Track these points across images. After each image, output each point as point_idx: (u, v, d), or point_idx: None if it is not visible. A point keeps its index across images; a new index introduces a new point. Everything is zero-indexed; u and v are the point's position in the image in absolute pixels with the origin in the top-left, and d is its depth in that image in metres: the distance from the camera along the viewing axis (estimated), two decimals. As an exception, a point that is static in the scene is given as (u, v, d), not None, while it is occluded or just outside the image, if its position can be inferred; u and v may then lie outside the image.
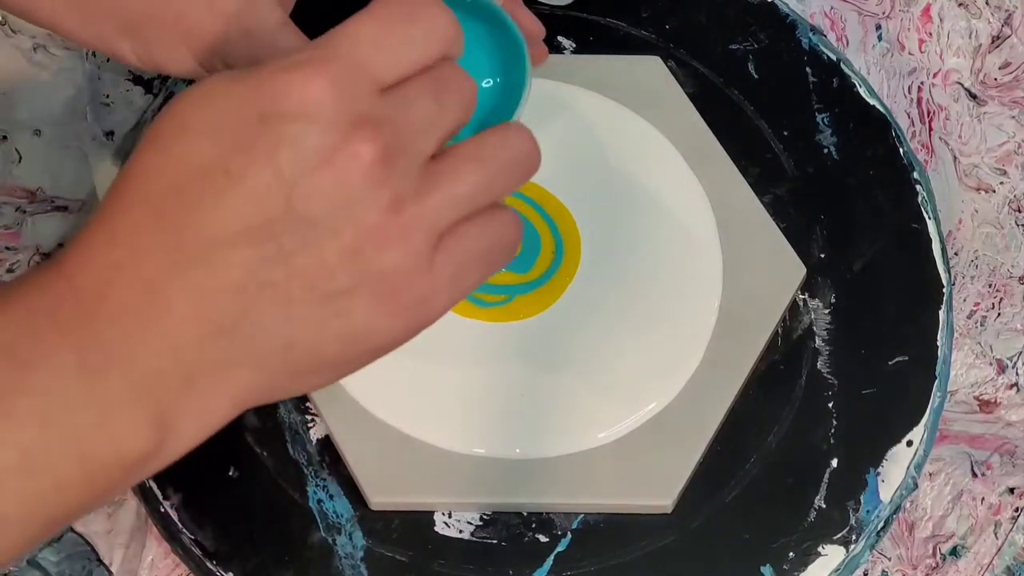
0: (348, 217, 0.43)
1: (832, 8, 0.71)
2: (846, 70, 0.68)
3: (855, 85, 0.68)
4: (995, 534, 0.62)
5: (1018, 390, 0.65)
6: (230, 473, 0.60)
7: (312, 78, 0.43)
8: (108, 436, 0.43)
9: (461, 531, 0.59)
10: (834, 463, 0.61)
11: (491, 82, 0.56)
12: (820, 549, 0.59)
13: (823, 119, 0.67)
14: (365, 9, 0.45)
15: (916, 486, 0.61)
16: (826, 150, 0.66)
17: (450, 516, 0.59)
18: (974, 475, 0.63)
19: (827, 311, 0.63)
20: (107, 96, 0.70)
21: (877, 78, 0.70)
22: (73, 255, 0.44)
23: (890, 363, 0.62)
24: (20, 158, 0.68)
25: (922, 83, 0.70)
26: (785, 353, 0.63)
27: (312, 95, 0.43)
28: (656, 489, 0.59)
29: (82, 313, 0.43)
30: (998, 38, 0.71)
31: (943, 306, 0.63)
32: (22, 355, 0.43)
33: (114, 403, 0.43)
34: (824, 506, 0.60)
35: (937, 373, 0.62)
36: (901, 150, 0.66)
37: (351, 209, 0.43)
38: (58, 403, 0.43)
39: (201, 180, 0.43)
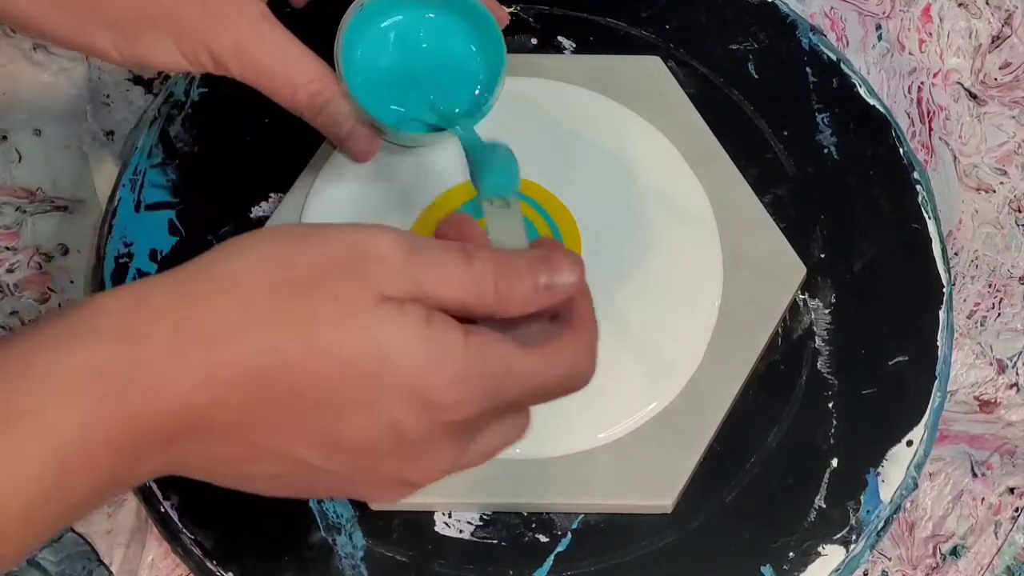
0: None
1: (832, 8, 0.71)
2: (846, 70, 0.68)
3: (855, 85, 0.68)
4: (995, 534, 0.62)
5: (1018, 390, 0.65)
6: (230, 473, 0.60)
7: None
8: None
9: (461, 531, 0.59)
10: (834, 463, 0.61)
11: (473, 48, 0.62)
12: (820, 549, 0.59)
13: (823, 119, 0.67)
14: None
15: (916, 486, 0.61)
16: (826, 150, 0.66)
17: (450, 516, 0.59)
18: (974, 475, 0.63)
19: (827, 311, 0.63)
20: (107, 96, 0.70)
21: (877, 78, 0.70)
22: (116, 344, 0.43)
23: (890, 363, 0.62)
24: (20, 158, 0.68)
25: (922, 83, 0.70)
26: (785, 353, 0.63)
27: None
28: (656, 489, 0.59)
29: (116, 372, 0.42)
30: (998, 38, 0.71)
31: (943, 306, 0.63)
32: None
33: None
34: (824, 506, 0.60)
35: (937, 373, 0.62)
36: (901, 150, 0.66)
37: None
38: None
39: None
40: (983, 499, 0.62)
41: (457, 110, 0.61)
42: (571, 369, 0.46)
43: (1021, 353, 0.65)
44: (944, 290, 0.64)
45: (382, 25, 0.62)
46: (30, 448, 0.40)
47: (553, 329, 0.46)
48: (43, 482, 0.41)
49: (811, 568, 0.59)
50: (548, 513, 0.60)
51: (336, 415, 0.43)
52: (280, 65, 0.57)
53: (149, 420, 0.41)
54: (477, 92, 0.62)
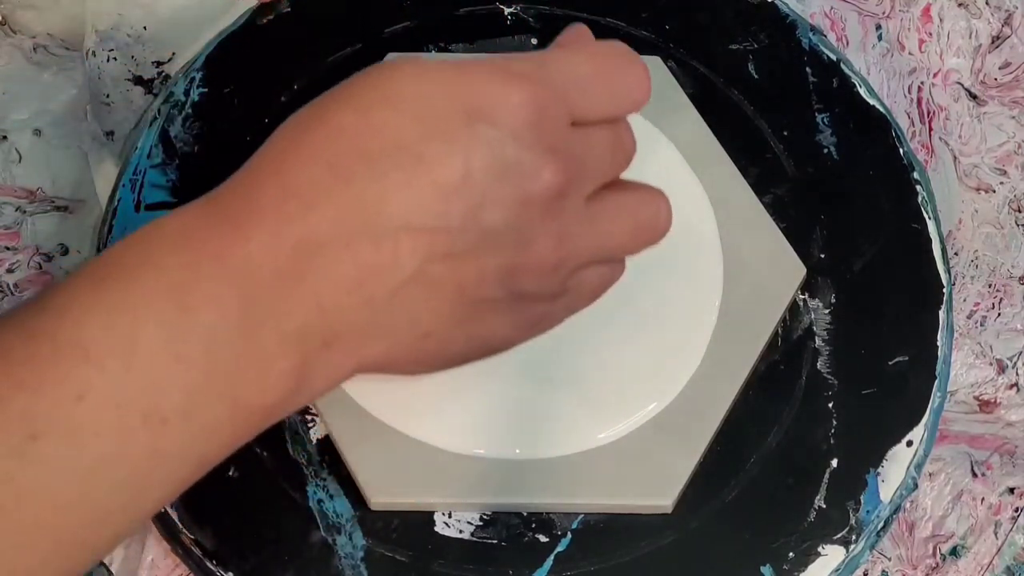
0: (517, 238, 0.45)
1: (832, 8, 0.71)
2: (846, 70, 0.68)
3: (855, 85, 0.68)
4: (995, 534, 0.62)
5: (1018, 390, 0.65)
6: (230, 473, 0.60)
7: (523, 93, 0.44)
8: (258, 384, 0.45)
9: (461, 531, 0.59)
10: (834, 463, 0.61)
11: None
12: (820, 549, 0.59)
13: (823, 119, 0.67)
14: (586, 47, 0.49)
15: (916, 486, 0.61)
16: (826, 150, 0.66)
17: (450, 516, 0.59)
18: (974, 475, 0.63)
19: (827, 311, 0.63)
20: (107, 96, 0.70)
21: (877, 78, 0.70)
22: (240, 196, 0.45)
23: (890, 363, 0.62)
24: (20, 158, 0.68)
25: (922, 83, 0.70)
26: (785, 353, 0.63)
27: (519, 110, 0.44)
28: (656, 489, 0.59)
29: (248, 264, 0.44)
30: (998, 38, 0.71)
31: (943, 306, 0.63)
32: (191, 298, 0.43)
33: (267, 355, 0.44)
34: (824, 506, 0.60)
35: (937, 373, 0.62)
36: (901, 150, 0.66)
37: (521, 232, 0.45)
38: (220, 350, 0.44)
39: (393, 156, 0.43)
40: (983, 499, 0.62)
41: None
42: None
43: (1021, 353, 0.65)
44: (944, 290, 0.64)
45: None
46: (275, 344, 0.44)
47: None
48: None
49: (811, 568, 0.59)
50: (548, 513, 0.60)
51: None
52: None
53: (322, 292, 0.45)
54: None
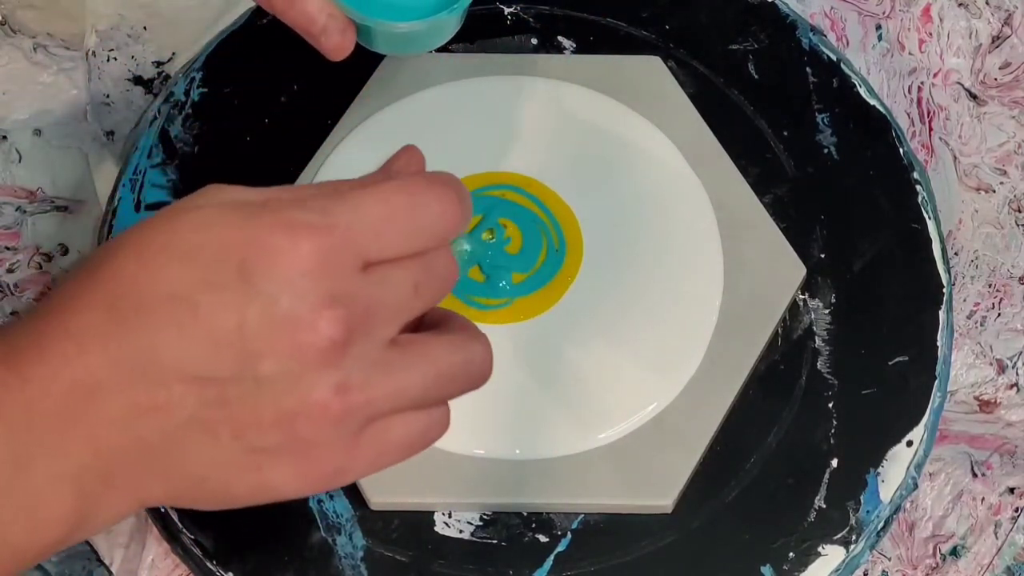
0: (294, 387, 0.44)
1: (832, 8, 0.71)
2: (846, 70, 0.68)
3: (855, 85, 0.68)
4: (995, 534, 0.62)
5: (1018, 390, 0.65)
6: (230, 473, 0.60)
7: (303, 243, 0.43)
8: (30, 524, 0.44)
9: (461, 531, 0.59)
10: (834, 463, 0.61)
11: None
12: (820, 549, 0.59)
13: (823, 119, 0.67)
14: (378, 186, 0.46)
15: (916, 486, 0.61)
16: (826, 150, 0.66)
17: (450, 516, 0.59)
18: (974, 475, 0.63)
19: (827, 311, 0.63)
20: (107, 96, 0.70)
21: (877, 78, 0.70)
22: (26, 334, 0.44)
23: (890, 363, 0.62)
24: (20, 158, 0.68)
25: (922, 83, 0.70)
26: (785, 353, 0.63)
27: (297, 262, 0.43)
28: (656, 489, 0.59)
29: (22, 405, 0.44)
30: (998, 38, 0.71)
31: (943, 306, 0.63)
32: None
33: (39, 494, 0.44)
34: (824, 506, 0.60)
35: (937, 373, 0.62)
36: (901, 150, 0.66)
37: (299, 380, 0.44)
38: None
39: (168, 305, 0.44)
40: (983, 499, 0.62)
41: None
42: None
43: (1021, 353, 0.65)
44: (944, 290, 0.64)
45: None
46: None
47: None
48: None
49: (811, 568, 0.59)
50: (548, 513, 0.60)
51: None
52: None
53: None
54: None
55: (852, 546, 0.59)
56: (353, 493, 0.59)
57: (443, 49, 0.67)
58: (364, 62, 0.64)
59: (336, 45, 0.58)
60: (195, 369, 0.43)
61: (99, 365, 0.44)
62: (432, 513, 0.59)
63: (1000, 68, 0.71)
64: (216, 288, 0.43)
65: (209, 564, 0.59)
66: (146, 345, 0.43)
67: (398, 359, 0.46)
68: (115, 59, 0.70)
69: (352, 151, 0.64)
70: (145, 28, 0.71)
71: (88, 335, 0.44)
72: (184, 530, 0.59)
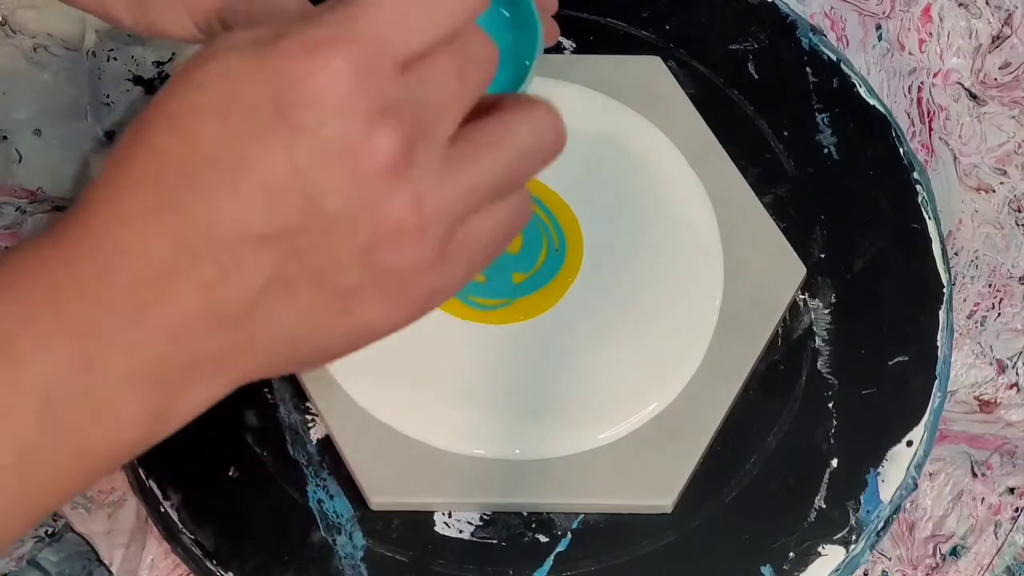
0: (365, 215, 0.41)
1: (832, 8, 0.71)
2: (846, 70, 0.68)
3: (855, 85, 0.68)
4: (995, 534, 0.62)
5: (1018, 390, 0.65)
6: (230, 473, 0.60)
7: (332, 61, 0.40)
8: (105, 429, 0.41)
9: (461, 531, 0.59)
10: (834, 463, 0.61)
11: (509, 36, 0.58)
12: (820, 549, 0.59)
13: (823, 119, 0.67)
14: None
15: (916, 486, 0.61)
16: (826, 150, 0.66)
17: (450, 516, 0.59)
18: (974, 475, 0.63)
19: (827, 311, 0.63)
20: (107, 96, 0.70)
21: (877, 78, 0.70)
22: (73, 234, 0.41)
23: (890, 363, 0.62)
24: (20, 158, 0.68)
25: (922, 83, 0.70)
26: (785, 353, 0.63)
27: (332, 82, 0.40)
28: (656, 489, 0.59)
29: (83, 301, 0.41)
30: (998, 38, 0.71)
31: (943, 306, 0.63)
32: (19, 346, 0.40)
33: (113, 395, 0.41)
34: (824, 506, 0.60)
35: (937, 373, 0.62)
36: (901, 150, 0.66)
37: (369, 206, 0.41)
38: (56, 398, 0.41)
39: (213, 168, 0.40)
40: (983, 499, 0.62)
41: None
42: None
43: (1021, 353, 0.65)
44: (944, 290, 0.64)
45: None
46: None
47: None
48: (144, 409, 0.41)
49: (811, 568, 0.59)
50: (548, 513, 0.60)
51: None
52: None
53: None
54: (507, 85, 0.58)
55: (852, 546, 0.59)
56: (353, 493, 0.59)
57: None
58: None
59: None
60: (258, 227, 0.40)
61: (158, 249, 0.40)
62: (432, 513, 0.59)
63: (1000, 68, 0.71)
64: (256, 135, 0.40)
65: (209, 564, 0.59)
66: (201, 215, 0.40)
67: (464, 155, 0.43)
68: (115, 59, 0.70)
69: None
70: (145, 28, 0.71)
71: (139, 219, 0.41)
72: (184, 530, 0.59)
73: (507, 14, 0.59)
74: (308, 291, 0.42)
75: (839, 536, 0.59)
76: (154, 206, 0.41)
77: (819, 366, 0.62)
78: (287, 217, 0.41)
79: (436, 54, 0.42)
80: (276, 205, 0.40)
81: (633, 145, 0.65)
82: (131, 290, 0.41)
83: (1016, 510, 0.62)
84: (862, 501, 0.60)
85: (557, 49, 0.68)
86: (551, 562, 0.59)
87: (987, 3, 0.71)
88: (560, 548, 0.59)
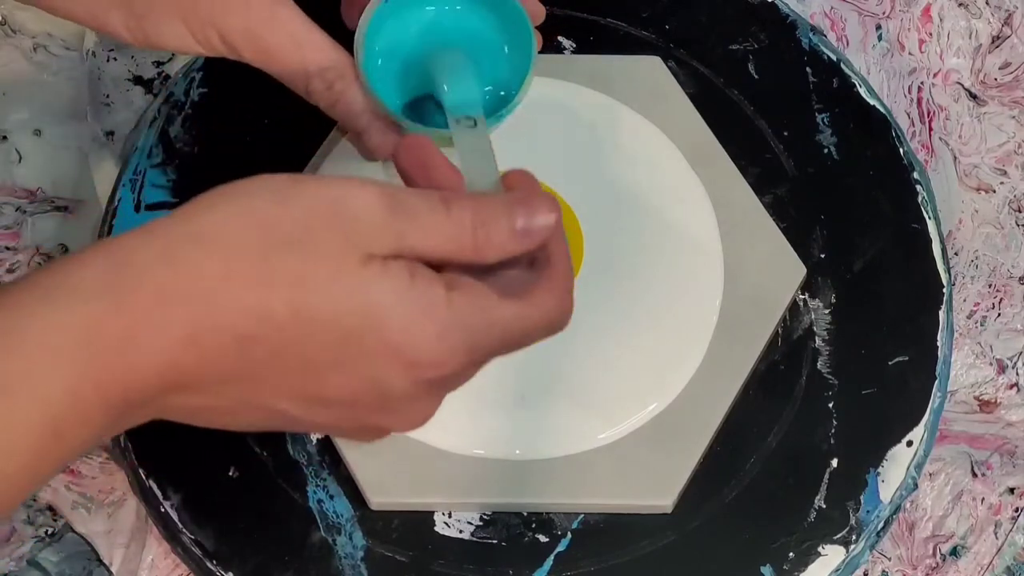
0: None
1: (832, 8, 0.71)
2: (846, 70, 0.68)
3: (855, 85, 0.68)
4: (995, 534, 0.62)
5: (1018, 390, 0.65)
6: (230, 473, 0.60)
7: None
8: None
9: (461, 531, 0.59)
10: (834, 463, 0.61)
11: (505, 49, 0.59)
12: (820, 549, 0.59)
13: (823, 119, 0.67)
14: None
15: (916, 486, 0.61)
16: (826, 150, 0.66)
17: (450, 516, 0.59)
18: (974, 475, 0.63)
19: (827, 311, 0.63)
20: (107, 96, 0.70)
21: (877, 78, 0.70)
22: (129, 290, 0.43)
23: (890, 363, 0.62)
24: (20, 158, 0.68)
25: (922, 83, 0.70)
26: (785, 353, 0.63)
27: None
28: (656, 489, 0.59)
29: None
30: (998, 38, 0.71)
31: (943, 306, 0.63)
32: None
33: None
34: (824, 506, 0.60)
35: (937, 373, 0.62)
36: (901, 150, 0.66)
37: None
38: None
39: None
40: (983, 499, 0.62)
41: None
42: (550, 316, 0.46)
43: (1021, 353, 0.65)
44: (944, 290, 0.64)
45: (406, 17, 0.60)
46: (25, 414, 0.41)
47: (530, 276, 0.46)
48: (39, 444, 0.41)
49: (811, 568, 0.59)
50: (548, 513, 0.60)
51: (319, 375, 0.43)
52: (294, 50, 0.56)
53: (136, 380, 0.41)
54: (502, 92, 0.59)
55: (852, 546, 0.59)
56: (353, 493, 0.59)
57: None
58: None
59: (377, 145, 0.59)
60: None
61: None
62: (432, 513, 0.59)
63: (1000, 68, 0.71)
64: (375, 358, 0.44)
65: (209, 564, 0.59)
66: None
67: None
68: (115, 59, 0.70)
69: (352, 151, 0.64)
70: (145, 28, 0.71)
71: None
72: (184, 530, 0.59)
73: (496, 19, 0.60)
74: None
75: (839, 536, 0.59)
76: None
77: (819, 366, 0.62)
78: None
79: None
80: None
81: (633, 145, 0.65)
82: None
83: (1016, 510, 0.62)
84: (862, 501, 0.60)
85: (557, 49, 0.68)
86: (551, 562, 0.59)
87: (987, 3, 0.71)
88: (560, 548, 0.59)
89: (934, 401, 0.62)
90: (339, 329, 0.42)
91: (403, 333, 0.43)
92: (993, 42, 0.71)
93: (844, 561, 0.59)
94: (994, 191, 0.68)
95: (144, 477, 0.60)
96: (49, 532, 0.61)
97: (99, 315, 0.41)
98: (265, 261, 0.42)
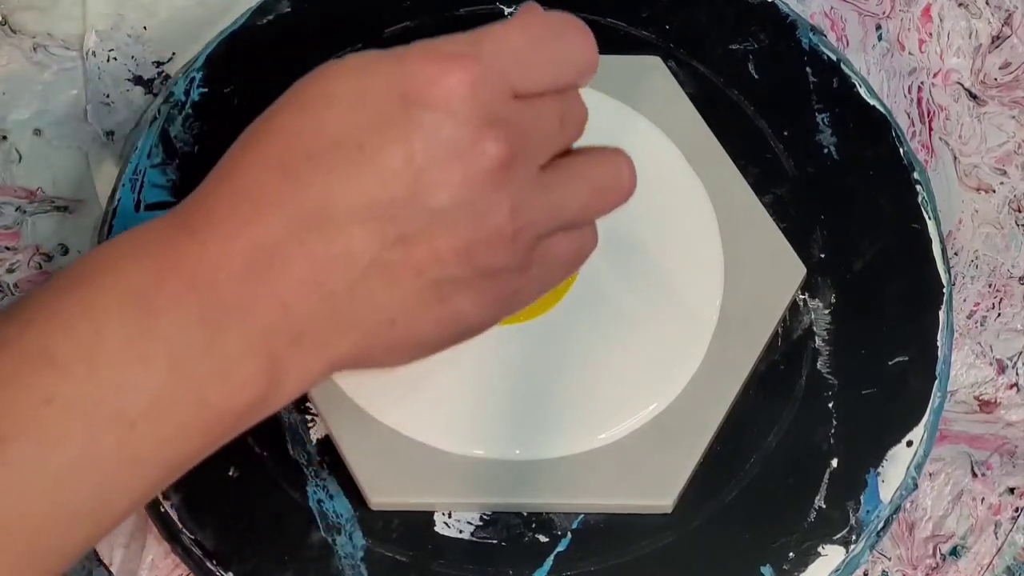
0: (468, 214, 0.45)
1: (832, 8, 0.71)
2: (846, 70, 0.68)
3: (855, 85, 0.68)
4: (995, 534, 0.62)
5: (1018, 390, 0.65)
6: (230, 473, 0.60)
7: (456, 72, 0.45)
8: (225, 385, 0.45)
9: (461, 531, 0.59)
10: (834, 463, 0.61)
11: None
12: (820, 549, 0.59)
13: (823, 119, 0.67)
14: (517, 18, 0.48)
15: (916, 486, 0.61)
16: (826, 150, 0.66)
17: (450, 516, 0.59)
18: (974, 475, 0.63)
19: (827, 311, 0.63)
20: (107, 96, 0.70)
21: (877, 78, 0.70)
22: (197, 205, 0.46)
23: (890, 363, 0.62)
24: (20, 158, 0.68)
25: (922, 83, 0.70)
26: (785, 353, 0.63)
27: (454, 89, 0.45)
28: (656, 489, 0.59)
29: (206, 268, 0.45)
30: (998, 38, 0.71)
31: (943, 306, 0.63)
32: (152, 302, 0.44)
33: (231, 355, 0.45)
34: (824, 506, 0.60)
35: (937, 373, 0.62)
36: (901, 150, 0.66)
37: (472, 206, 0.45)
38: (183, 352, 0.44)
39: (335, 151, 0.44)
40: (983, 499, 0.62)
41: None
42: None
43: (1021, 353, 0.65)
44: (944, 290, 0.64)
45: None
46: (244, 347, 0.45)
47: None
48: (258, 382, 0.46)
49: (811, 568, 0.59)
50: (548, 513, 0.60)
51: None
52: None
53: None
54: None
55: (852, 546, 0.59)
56: (353, 493, 0.59)
57: (443, 49, 0.66)
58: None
59: None
60: (370, 210, 0.44)
61: (276, 223, 0.44)
62: (432, 513, 0.59)
63: (1000, 68, 0.71)
64: (379, 127, 0.44)
65: (209, 564, 0.59)
66: (319, 195, 0.44)
67: (554, 179, 0.48)
68: (115, 59, 0.70)
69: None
70: (145, 28, 0.71)
71: (261, 194, 0.45)
72: (184, 530, 0.59)
73: None
74: (409, 277, 0.46)
75: (839, 536, 0.59)
76: (276, 181, 0.45)
77: (819, 366, 0.62)
78: (397, 205, 0.45)
79: (545, 97, 0.48)
80: (388, 192, 0.45)
81: (633, 145, 0.65)
82: (248, 259, 0.45)
83: (1016, 510, 0.62)
84: (862, 501, 0.60)
85: (557, 49, 0.68)
86: (551, 562, 0.59)
87: (987, 3, 0.71)
88: (560, 548, 0.59)
89: (934, 401, 0.62)
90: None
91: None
92: (993, 42, 0.71)
93: (844, 561, 0.59)
94: (994, 191, 0.68)
95: (144, 477, 0.60)
96: (49, 532, 0.61)
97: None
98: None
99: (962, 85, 0.71)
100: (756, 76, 0.68)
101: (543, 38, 0.47)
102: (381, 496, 0.59)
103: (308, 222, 0.44)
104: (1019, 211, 0.68)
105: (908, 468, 0.60)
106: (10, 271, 0.66)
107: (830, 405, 0.62)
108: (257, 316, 0.45)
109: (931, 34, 0.71)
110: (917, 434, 0.61)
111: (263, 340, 0.45)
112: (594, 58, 0.49)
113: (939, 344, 0.63)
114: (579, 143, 0.65)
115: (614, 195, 0.51)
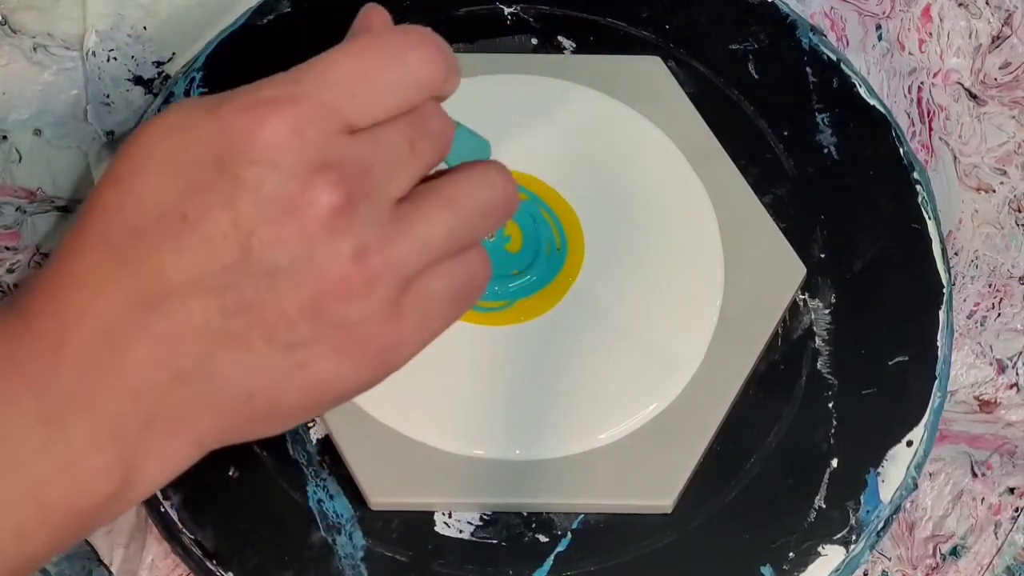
0: (308, 268, 0.42)
1: (832, 8, 0.71)
2: (846, 70, 0.68)
3: (855, 85, 0.68)
4: (995, 534, 0.62)
5: (1018, 390, 0.65)
6: (230, 473, 0.60)
7: (272, 120, 0.42)
8: (68, 483, 0.42)
9: (461, 531, 0.59)
10: (834, 463, 0.61)
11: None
12: (820, 549, 0.59)
13: (823, 119, 0.67)
14: (344, 45, 0.44)
15: (916, 486, 0.61)
16: (826, 150, 0.66)
17: (450, 516, 0.59)
18: (974, 475, 0.63)
19: (827, 311, 0.63)
20: (107, 96, 0.70)
21: (877, 78, 0.70)
22: (31, 297, 0.43)
23: (890, 363, 0.62)
24: (20, 158, 0.68)
25: (922, 83, 0.70)
26: (785, 353, 0.63)
27: (272, 138, 0.41)
28: (656, 489, 0.59)
29: (41, 360, 0.42)
30: (998, 38, 0.71)
31: (943, 306, 0.63)
32: None
33: (75, 449, 0.42)
34: (824, 506, 0.60)
35: (937, 373, 0.62)
36: (901, 150, 0.66)
37: (311, 260, 0.42)
38: (18, 451, 0.42)
39: (159, 223, 0.42)
40: (983, 499, 0.62)
41: None
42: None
43: (1021, 353, 0.65)
44: (944, 290, 0.64)
45: None
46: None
47: None
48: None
49: (811, 568, 0.59)
50: (548, 513, 0.60)
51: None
52: None
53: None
54: None
55: (852, 546, 0.59)
56: (353, 493, 0.59)
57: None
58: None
59: None
60: (206, 281, 0.41)
61: (112, 307, 0.42)
62: (432, 513, 0.59)
63: (1000, 68, 0.71)
64: (200, 192, 0.41)
65: (209, 564, 0.59)
66: (151, 272, 0.42)
67: (413, 211, 0.44)
68: (115, 59, 0.70)
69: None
70: (145, 28, 0.71)
71: (93, 278, 0.42)
72: (184, 530, 0.59)
73: None
74: (260, 345, 0.42)
75: (839, 536, 0.59)
76: (107, 263, 0.42)
77: (819, 366, 0.62)
78: (232, 272, 0.42)
79: (388, 124, 0.43)
80: (220, 260, 0.41)
81: (633, 145, 0.65)
82: (87, 347, 0.42)
83: (1016, 510, 0.62)
84: (862, 501, 0.60)
85: (557, 49, 0.68)
86: (551, 562, 0.59)
87: (987, 3, 0.71)
88: (560, 548, 0.59)
89: (934, 401, 0.62)
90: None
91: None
92: (993, 42, 0.71)
93: (844, 561, 0.59)
94: (994, 191, 0.68)
95: (144, 477, 0.60)
96: (49, 532, 0.61)
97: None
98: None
99: (962, 85, 0.71)
100: (756, 76, 0.68)
101: (374, 61, 0.43)
102: (381, 496, 0.59)
103: (145, 302, 0.42)
104: (1019, 211, 0.68)
105: (908, 468, 0.60)
106: (10, 271, 0.66)
107: (830, 405, 0.62)
108: (102, 406, 0.42)
109: (931, 34, 0.71)
110: (917, 434, 0.61)
111: (111, 430, 0.42)
112: (444, 67, 0.44)
113: (939, 344, 0.63)
114: (582, 146, 0.65)
115: (491, 213, 0.45)
